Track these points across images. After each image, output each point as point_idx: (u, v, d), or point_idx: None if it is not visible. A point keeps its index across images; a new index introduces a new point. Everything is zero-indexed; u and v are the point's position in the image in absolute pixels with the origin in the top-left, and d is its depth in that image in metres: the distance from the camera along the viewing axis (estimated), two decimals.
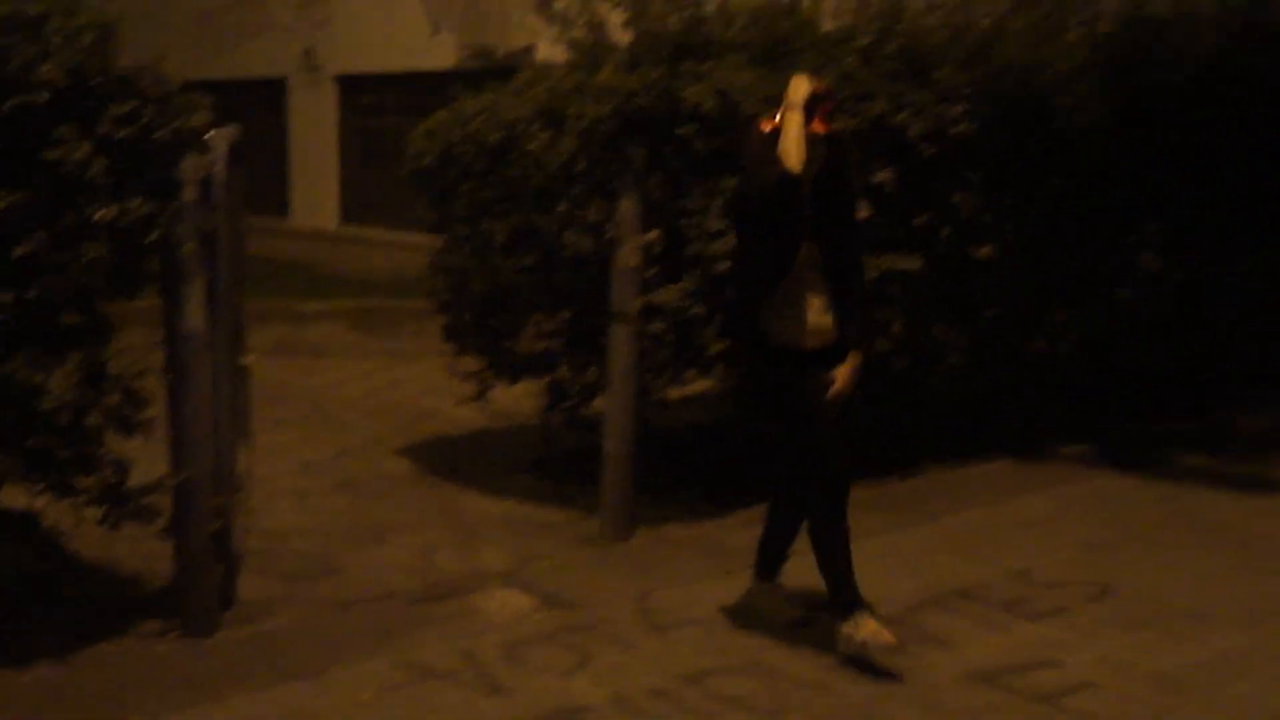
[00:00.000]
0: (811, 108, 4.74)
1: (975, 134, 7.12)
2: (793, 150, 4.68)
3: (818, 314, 4.87)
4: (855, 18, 7.53)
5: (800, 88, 4.77)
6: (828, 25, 7.56)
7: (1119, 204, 7.97)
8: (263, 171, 17.37)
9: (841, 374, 4.92)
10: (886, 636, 4.73)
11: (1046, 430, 7.97)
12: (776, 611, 5.22)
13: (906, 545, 6.25)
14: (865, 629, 4.75)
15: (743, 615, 5.24)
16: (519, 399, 7.58)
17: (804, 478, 4.96)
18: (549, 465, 7.43)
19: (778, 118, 4.81)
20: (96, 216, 4.65)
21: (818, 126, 4.77)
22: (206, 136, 4.99)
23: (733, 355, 5.21)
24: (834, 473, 4.90)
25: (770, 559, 5.27)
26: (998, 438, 7.79)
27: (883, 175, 6.85)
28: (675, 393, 7.06)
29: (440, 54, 15.78)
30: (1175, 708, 4.52)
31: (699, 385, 7.19)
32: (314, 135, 18.29)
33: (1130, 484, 7.29)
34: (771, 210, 4.79)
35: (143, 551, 5.39)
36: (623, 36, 7.32)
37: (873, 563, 5.95)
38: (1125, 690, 4.64)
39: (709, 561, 5.99)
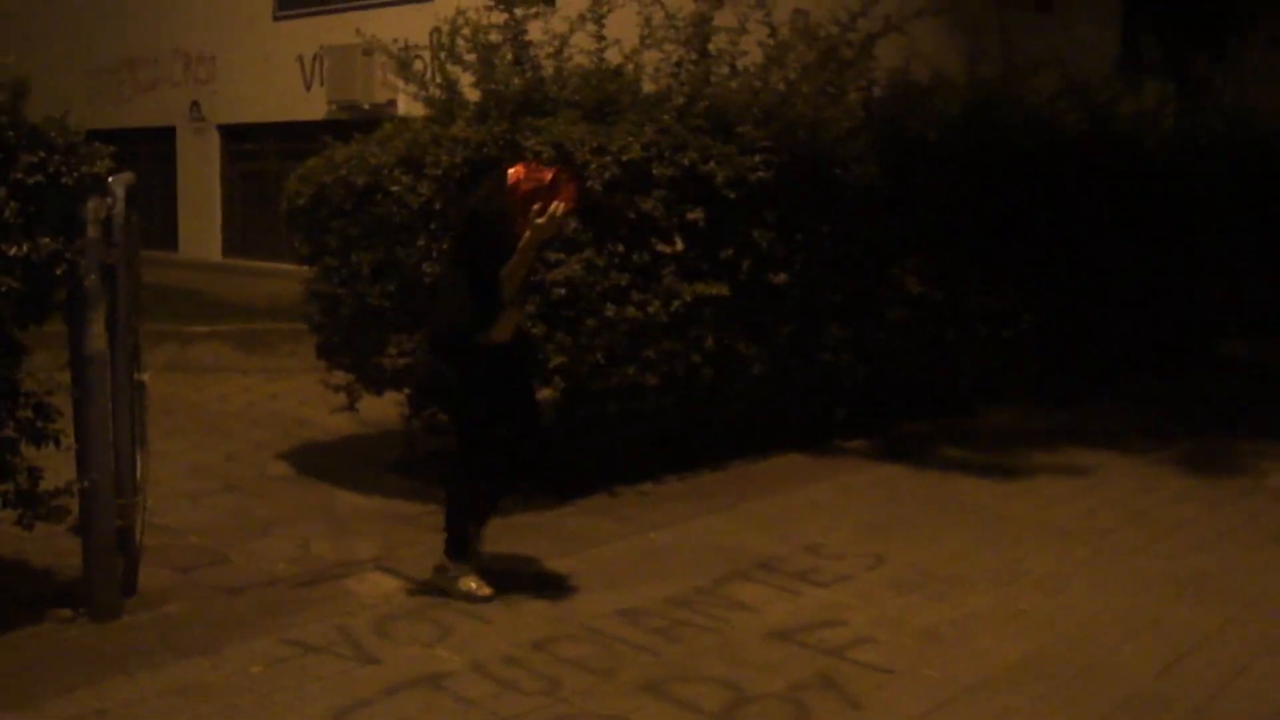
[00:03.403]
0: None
1: (771, 180, 7.30)
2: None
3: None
4: (670, 80, 7.66)
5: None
6: (648, 87, 7.67)
7: (888, 238, 8.24)
8: (154, 209, 16.98)
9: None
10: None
11: (831, 428, 8.19)
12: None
13: (715, 528, 6.38)
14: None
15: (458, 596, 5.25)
16: (385, 408, 7.54)
17: (515, 447, 5.34)
18: (412, 465, 7.39)
19: (523, 176, 4.93)
20: (10, 253, 4.54)
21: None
22: (107, 181, 4.91)
23: (450, 356, 5.18)
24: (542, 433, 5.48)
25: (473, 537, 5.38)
26: (791, 435, 7.98)
27: (694, 215, 7.00)
28: None
29: (312, 107, 15.59)
30: (936, 656, 4.71)
31: (540, 395, 7.22)
32: (200, 177, 17.93)
33: (901, 472, 7.54)
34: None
35: (54, 548, 5.27)
36: (472, 94, 7.35)
37: (688, 543, 6.11)
38: (897, 642, 4.83)
39: (550, 544, 6.04)
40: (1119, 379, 10.21)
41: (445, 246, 5.61)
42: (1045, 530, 6.39)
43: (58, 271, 4.71)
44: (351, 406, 7.43)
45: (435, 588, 5.29)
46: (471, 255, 5.10)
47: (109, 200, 4.87)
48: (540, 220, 4.87)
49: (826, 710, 4.25)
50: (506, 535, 6.14)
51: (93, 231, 4.78)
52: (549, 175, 4.97)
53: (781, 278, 7.48)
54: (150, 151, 17.30)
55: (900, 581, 5.54)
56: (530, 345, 5.55)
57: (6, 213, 4.49)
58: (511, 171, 5.00)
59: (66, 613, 4.96)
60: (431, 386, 5.49)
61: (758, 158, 7.25)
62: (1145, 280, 10.32)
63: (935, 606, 5.23)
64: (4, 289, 4.55)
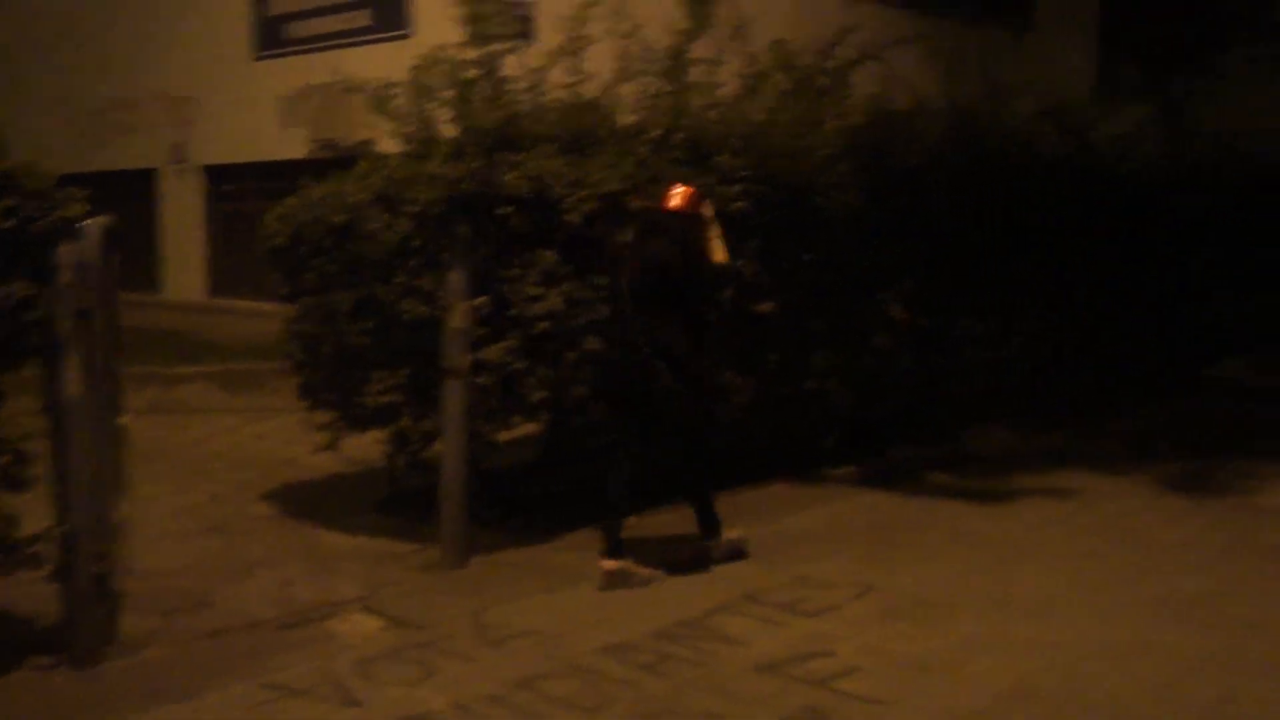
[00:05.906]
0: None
1: (752, 210, 7.30)
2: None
3: None
4: (648, 112, 7.68)
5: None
6: (626, 119, 7.68)
7: (872, 265, 8.24)
8: (135, 251, 16.98)
9: None
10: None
11: (819, 456, 8.16)
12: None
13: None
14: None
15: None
16: (367, 446, 7.51)
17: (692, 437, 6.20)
18: (395, 504, 7.35)
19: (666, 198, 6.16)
20: None
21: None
22: (81, 225, 4.89)
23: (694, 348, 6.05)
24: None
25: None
26: (779, 464, 7.95)
27: None
28: (503, 436, 7.08)
29: (294, 146, 15.63)
30: (925, 686, 4.68)
31: (523, 429, 7.21)
32: (183, 218, 17.96)
33: (889, 499, 7.52)
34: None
35: (33, 594, 5.22)
36: (449, 130, 7.35)
37: (673, 576, 6.08)
38: (885, 672, 4.80)
39: (536, 580, 6.01)
40: (1108, 401, 10.21)
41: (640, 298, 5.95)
42: (1035, 554, 6.37)
43: (31, 317, 4.70)
44: (334, 445, 7.39)
45: (706, 562, 6.15)
46: (687, 272, 5.96)
47: (83, 244, 4.86)
48: (709, 211, 6.21)
49: None
50: (492, 572, 6.13)
51: (66, 276, 4.77)
52: (667, 190, 6.25)
53: (765, 307, 7.46)
54: (133, 193, 17.35)
55: (889, 610, 5.51)
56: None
57: None
58: (675, 203, 6.15)
59: (46, 659, 4.92)
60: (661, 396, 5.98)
61: (737, 187, 7.25)
62: (1132, 303, 10.35)
63: (924, 635, 5.21)
64: None
